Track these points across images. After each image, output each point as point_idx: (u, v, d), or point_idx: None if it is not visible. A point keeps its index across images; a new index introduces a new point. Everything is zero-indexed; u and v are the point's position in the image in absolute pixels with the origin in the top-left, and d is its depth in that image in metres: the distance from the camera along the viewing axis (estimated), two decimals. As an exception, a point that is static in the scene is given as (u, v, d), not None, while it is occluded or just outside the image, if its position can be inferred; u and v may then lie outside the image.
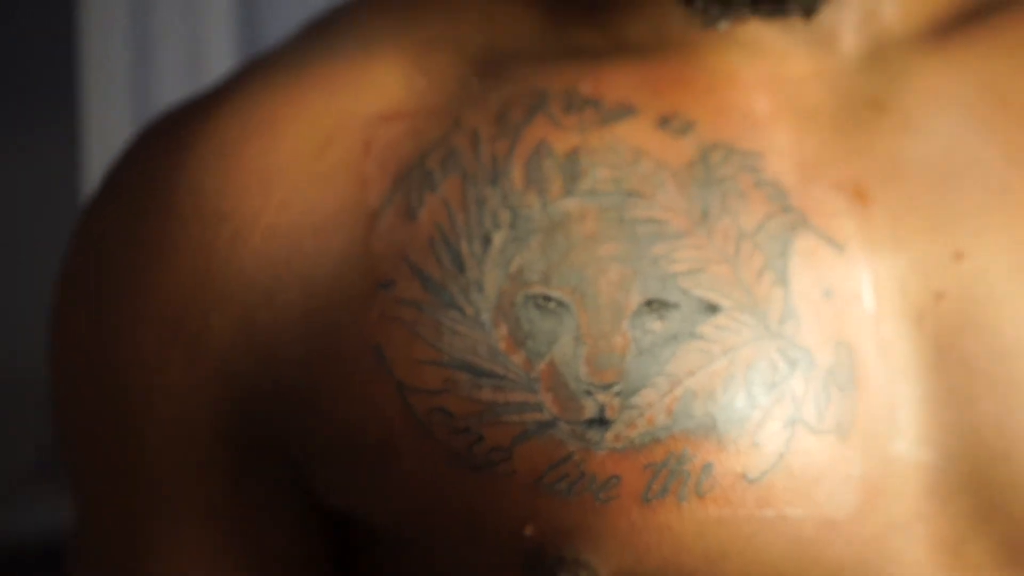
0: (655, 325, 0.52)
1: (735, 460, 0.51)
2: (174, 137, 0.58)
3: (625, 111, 0.56)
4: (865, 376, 0.53)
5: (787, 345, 0.53)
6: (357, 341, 0.53)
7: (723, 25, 0.55)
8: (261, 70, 0.60)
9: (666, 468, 0.51)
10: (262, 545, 0.58)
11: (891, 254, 0.55)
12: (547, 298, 0.52)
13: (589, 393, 0.51)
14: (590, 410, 0.51)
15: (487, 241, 0.53)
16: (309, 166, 0.56)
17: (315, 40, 0.61)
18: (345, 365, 0.54)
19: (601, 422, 0.51)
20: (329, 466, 0.55)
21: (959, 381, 0.54)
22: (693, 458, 0.51)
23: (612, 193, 0.54)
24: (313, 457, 0.56)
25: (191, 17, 1.08)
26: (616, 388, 0.51)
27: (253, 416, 0.56)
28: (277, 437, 0.56)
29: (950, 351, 0.54)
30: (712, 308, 0.52)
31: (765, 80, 0.57)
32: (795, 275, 0.54)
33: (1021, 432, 0.54)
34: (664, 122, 0.56)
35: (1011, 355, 0.54)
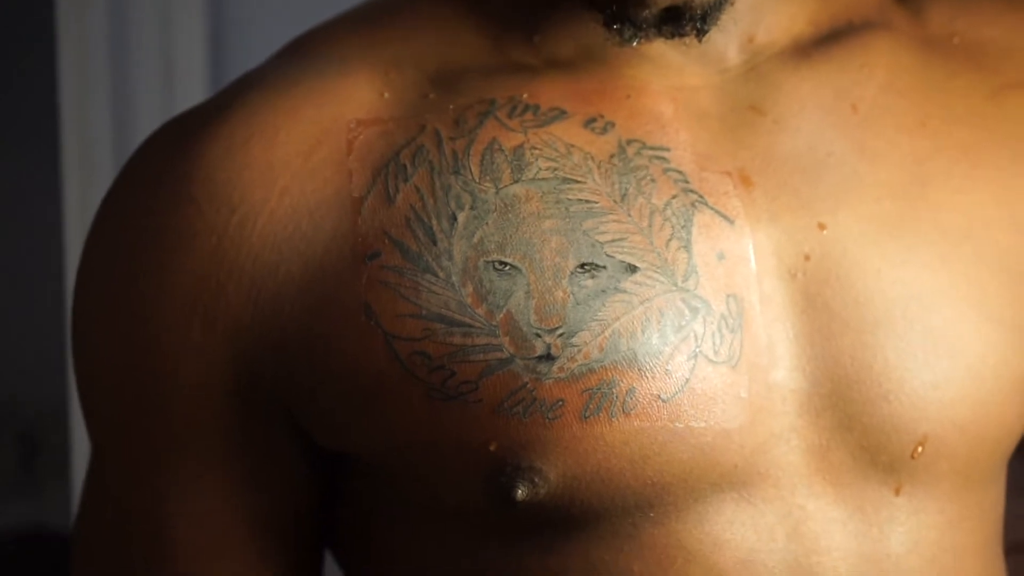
0: (588, 282, 0.66)
1: (652, 384, 0.66)
2: (188, 136, 0.71)
3: (558, 114, 0.70)
4: (750, 320, 0.68)
5: (690, 296, 0.67)
6: (349, 302, 0.67)
7: (635, 42, 0.69)
8: (257, 84, 0.73)
9: (599, 392, 0.65)
10: (268, 482, 0.71)
11: (769, 225, 0.70)
12: (503, 263, 0.66)
13: (538, 336, 0.65)
14: (539, 349, 0.65)
15: (453, 219, 0.67)
16: (303, 163, 0.69)
17: (299, 58, 0.75)
18: (339, 322, 0.67)
19: (548, 358, 0.65)
20: (325, 411, 0.69)
21: (822, 323, 0.69)
22: (620, 383, 0.65)
23: (551, 179, 0.68)
24: (312, 404, 0.69)
25: (165, 48, 1.17)
26: (559, 331, 0.65)
27: (261, 370, 0.69)
28: (281, 387, 0.69)
29: (815, 300, 0.69)
30: (632, 268, 0.67)
31: (668, 89, 0.72)
32: (696, 242, 0.68)
33: (868, 361, 0.69)
34: (590, 123, 0.70)
35: (861, 302, 0.69)
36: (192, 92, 1.14)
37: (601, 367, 0.66)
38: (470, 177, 0.68)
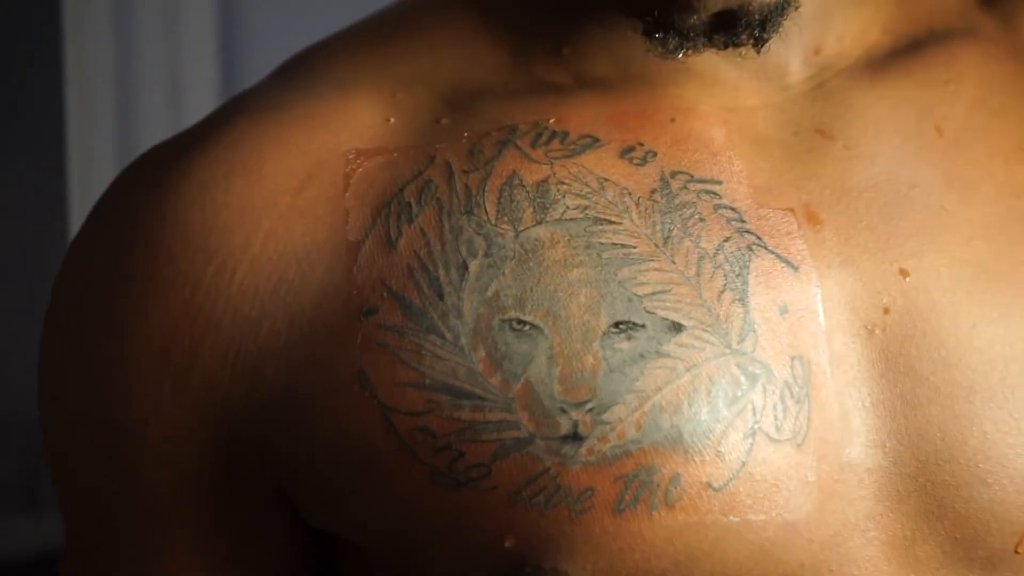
0: (623, 345, 0.55)
1: (701, 470, 0.55)
2: (159, 174, 0.61)
3: (590, 143, 0.59)
4: (819, 387, 0.57)
5: (747, 360, 0.56)
6: (341, 367, 0.56)
7: (680, 53, 0.58)
8: (243, 108, 0.63)
9: (637, 479, 0.54)
10: (250, 561, 0.61)
11: (841, 272, 0.59)
12: (521, 322, 0.56)
13: (563, 411, 0.55)
14: (564, 426, 0.54)
15: (464, 268, 0.56)
16: (292, 200, 0.59)
17: (293, 79, 0.65)
18: (329, 390, 0.57)
19: (575, 438, 0.54)
20: (313, 488, 0.59)
21: (906, 389, 0.58)
22: (662, 469, 0.54)
23: (580, 220, 0.57)
24: (298, 479, 0.59)
25: (173, 58, 1.10)
26: (588, 405, 0.55)
27: (241, 436, 0.59)
28: (264, 461, 0.59)
29: (897, 361, 0.58)
30: (676, 327, 0.56)
31: (720, 111, 0.61)
32: (753, 294, 0.57)
33: (962, 435, 0.58)
34: (627, 152, 0.59)
35: (952, 363, 0.58)
36: (201, 103, 1.06)
37: (639, 449, 0.55)
38: (485, 218, 0.57)
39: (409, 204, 0.58)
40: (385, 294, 0.57)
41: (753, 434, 0.56)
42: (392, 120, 0.61)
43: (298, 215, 0.59)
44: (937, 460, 0.58)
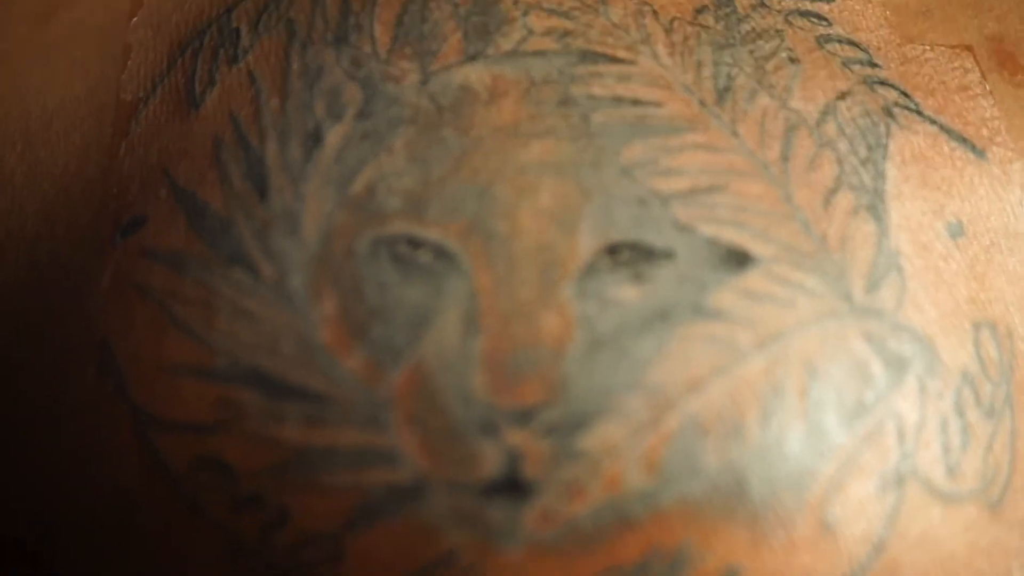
0: (626, 292, 0.27)
1: (786, 561, 0.26)
2: None
3: None
4: None
5: (884, 328, 0.27)
6: (77, 335, 0.29)
7: None
8: None
9: None
10: None
11: None
12: (415, 242, 0.27)
13: (490, 428, 0.26)
14: (490, 463, 0.26)
15: (315, 140, 0.28)
16: (32, 33, 0.33)
17: None
18: (56, 383, 0.29)
19: (513, 487, 0.25)
20: (56, 553, 0.31)
21: None
22: (703, 556, 0.25)
23: (553, 54, 0.29)
24: (34, 529, 0.31)
25: None
26: (544, 417, 0.26)
27: None
28: None
29: None
30: (739, 259, 0.27)
31: None
32: (896, 197, 0.29)
33: None
34: None
35: None
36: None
37: (654, 514, 0.26)
38: (369, 50, 0.29)
39: (236, 32, 0.31)
40: (164, 192, 0.29)
41: (900, 482, 0.27)
42: None
43: (42, 57, 0.32)
44: None
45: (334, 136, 0.28)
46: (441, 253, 0.27)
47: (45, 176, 0.31)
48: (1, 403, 0.30)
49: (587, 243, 0.27)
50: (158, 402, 0.27)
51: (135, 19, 0.33)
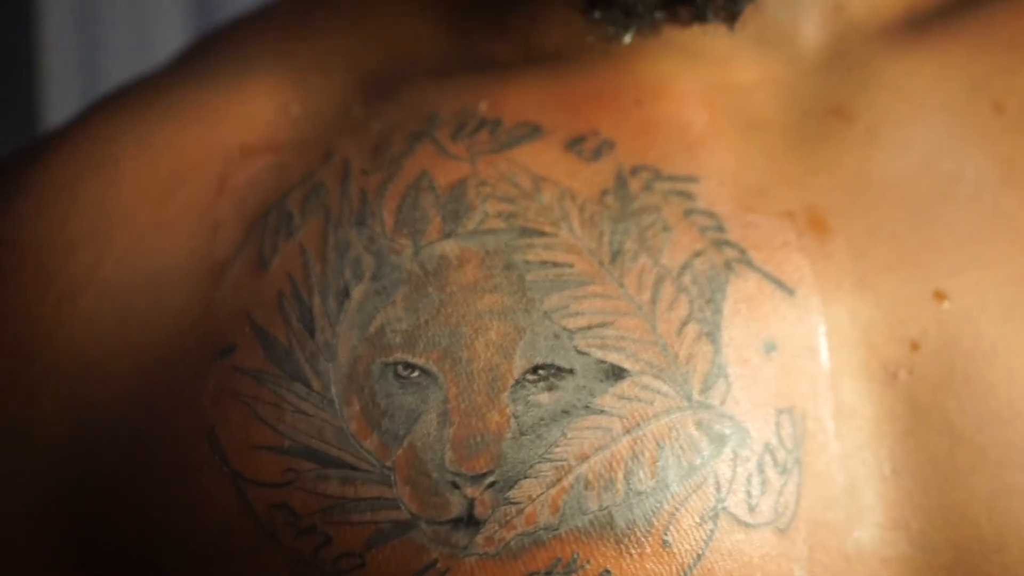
0: (542, 397, 0.42)
1: (639, 566, 0.41)
2: (6, 173, 0.50)
3: (528, 132, 0.46)
4: (817, 450, 0.43)
5: (712, 416, 0.42)
6: (190, 423, 0.44)
7: (628, 38, 0.45)
8: (122, 98, 0.51)
9: None
10: None
11: (854, 296, 0.45)
12: (409, 366, 0.42)
13: (455, 485, 0.41)
14: (455, 507, 0.41)
15: (344, 295, 0.44)
16: (153, 211, 0.47)
17: (191, 63, 0.53)
18: (176, 451, 0.44)
19: (469, 522, 0.41)
20: (173, 569, 0.46)
21: (940, 452, 0.44)
22: (586, 565, 0.41)
23: (502, 232, 0.44)
24: (147, 560, 0.46)
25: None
26: (489, 478, 0.41)
27: (87, 514, 0.47)
28: (111, 534, 0.47)
29: (929, 415, 0.44)
30: (616, 373, 0.42)
31: (703, 90, 0.47)
32: (729, 326, 0.43)
33: (1017, 515, 0.43)
34: (576, 143, 0.46)
35: (1004, 419, 0.44)
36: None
37: (555, 538, 0.41)
38: (379, 230, 0.44)
39: (290, 215, 0.46)
40: (247, 329, 0.44)
41: (715, 516, 0.42)
42: (295, 108, 0.48)
43: (159, 229, 0.47)
44: (983, 549, 0.43)
45: (358, 293, 0.43)
46: (425, 373, 0.42)
47: (166, 312, 0.46)
48: (140, 467, 0.45)
49: (519, 364, 0.42)
50: (248, 469, 0.43)
51: (222, 200, 0.47)
